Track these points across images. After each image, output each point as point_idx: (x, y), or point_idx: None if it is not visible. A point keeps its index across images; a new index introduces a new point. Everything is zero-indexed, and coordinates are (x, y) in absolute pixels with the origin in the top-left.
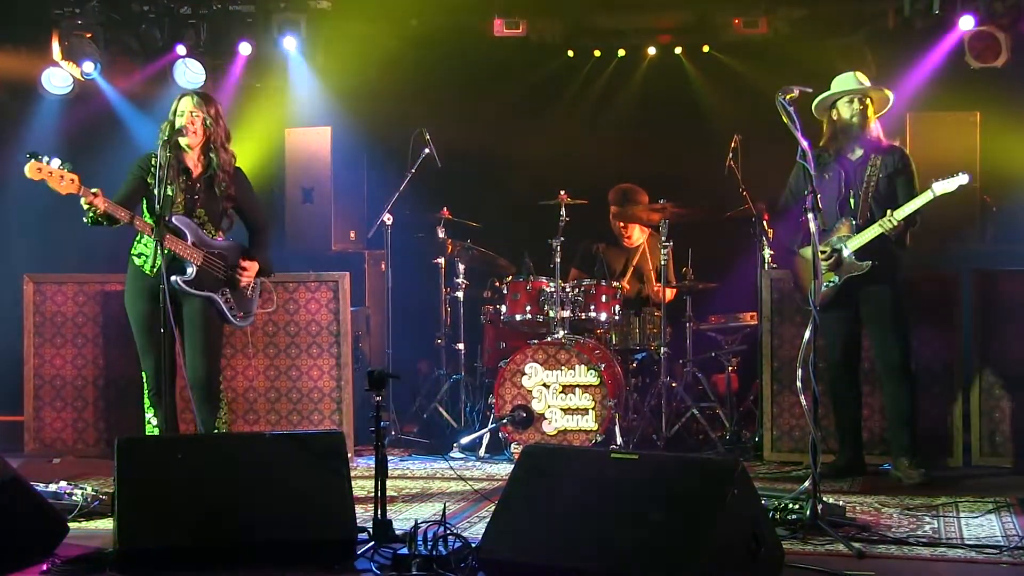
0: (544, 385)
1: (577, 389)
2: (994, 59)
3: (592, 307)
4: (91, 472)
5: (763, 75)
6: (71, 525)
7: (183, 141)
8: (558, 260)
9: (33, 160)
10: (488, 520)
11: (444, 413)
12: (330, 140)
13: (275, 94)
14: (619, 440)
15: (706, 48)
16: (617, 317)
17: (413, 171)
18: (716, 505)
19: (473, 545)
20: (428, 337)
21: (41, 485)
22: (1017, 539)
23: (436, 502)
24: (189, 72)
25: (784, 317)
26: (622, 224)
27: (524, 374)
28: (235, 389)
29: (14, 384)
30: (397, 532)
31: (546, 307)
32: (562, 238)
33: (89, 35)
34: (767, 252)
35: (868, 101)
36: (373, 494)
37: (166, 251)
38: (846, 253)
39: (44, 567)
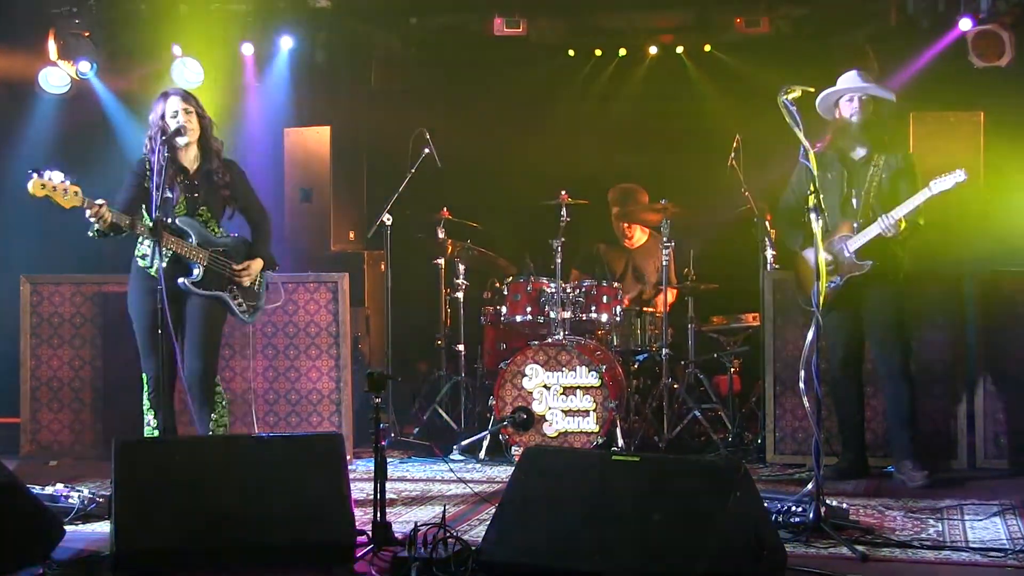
0: (545, 387)
1: (578, 391)
2: (998, 58)
3: (593, 308)
4: (88, 474)
5: (765, 74)
6: (68, 528)
7: (181, 141)
8: (559, 261)
9: (36, 177)
10: (488, 523)
11: (444, 415)
12: (329, 140)
13: (273, 93)
14: (620, 442)
15: (707, 47)
16: (618, 318)
17: (413, 171)
18: (718, 508)
19: (473, 548)
20: (428, 338)
21: (38, 487)
22: (1022, 542)
23: (436, 505)
24: (187, 71)
25: (786, 318)
26: (625, 224)
27: (525, 376)
28: (233, 391)
29: (11, 386)
30: (396, 535)
31: (547, 308)
32: (563, 238)
33: (87, 34)
34: (769, 252)
35: (870, 100)
36: (372, 496)
37: (169, 254)
38: (847, 253)
39: (40, 571)
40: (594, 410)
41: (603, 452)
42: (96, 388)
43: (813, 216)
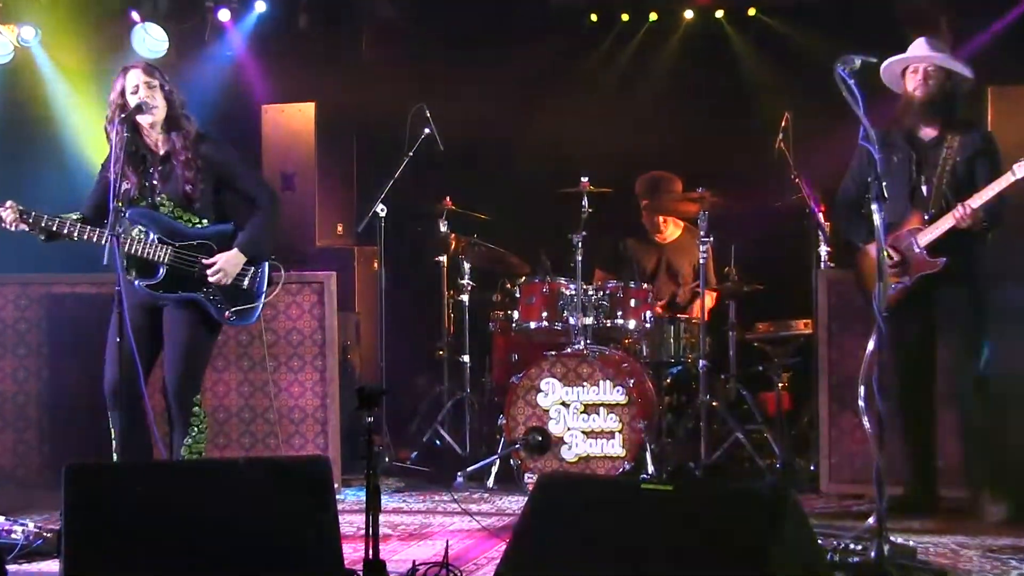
0: (563, 404)
1: (601, 409)
2: None
3: (619, 313)
4: (33, 506)
5: (819, 43)
6: (10, 568)
7: (145, 120)
8: (579, 258)
9: None
10: (498, 562)
11: (446, 436)
12: (314, 118)
13: (249, 65)
14: (651, 469)
15: (752, 11)
16: (648, 325)
17: (411, 154)
18: (765, 545)
19: None
20: (428, 348)
21: None
22: None
23: (437, 540)
24: (150, 39)
25: (844, 325)
26: (659, 217)
27: (540, 391)
28: (202, 408)
29: None
30: (392, 575)
31: (565, 313)
32: (584, 233)
33: None
34: (824, 249)
35: (938, 71)
36: (363, 531)
37: (125, 253)
38: (916, 249)
39: None
40: (620, 431)
41: (631, 480)
42: (43, 404)
43: (875, 207)
